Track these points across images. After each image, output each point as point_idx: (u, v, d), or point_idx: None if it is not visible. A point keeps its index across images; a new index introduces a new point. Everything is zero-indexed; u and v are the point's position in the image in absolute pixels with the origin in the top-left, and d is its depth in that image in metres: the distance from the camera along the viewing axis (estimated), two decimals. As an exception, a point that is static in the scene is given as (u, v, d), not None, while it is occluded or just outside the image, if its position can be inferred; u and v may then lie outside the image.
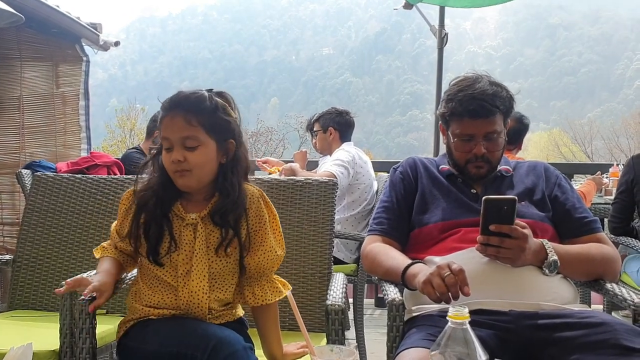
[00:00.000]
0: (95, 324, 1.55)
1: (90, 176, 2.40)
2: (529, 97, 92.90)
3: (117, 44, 5.04)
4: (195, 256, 1.51)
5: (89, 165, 3.29)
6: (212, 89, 1.56)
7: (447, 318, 1.02)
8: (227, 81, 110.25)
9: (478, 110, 1.78)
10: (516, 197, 1.57)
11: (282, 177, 2.22)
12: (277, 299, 1.59)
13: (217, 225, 1.52)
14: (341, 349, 1.16)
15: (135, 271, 1.69)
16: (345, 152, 3.37)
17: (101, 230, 2.27)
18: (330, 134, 3.56)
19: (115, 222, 1.64)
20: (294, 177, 2.21)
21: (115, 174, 3.39)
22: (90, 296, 1.47)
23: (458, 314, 1.01)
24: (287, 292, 1.35)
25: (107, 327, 1.87)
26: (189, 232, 1.52)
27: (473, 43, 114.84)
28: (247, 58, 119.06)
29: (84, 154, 4.54)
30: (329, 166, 3.26)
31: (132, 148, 4.05)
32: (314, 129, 3.68)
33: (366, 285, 3.56)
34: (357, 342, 3.18)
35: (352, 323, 3.45)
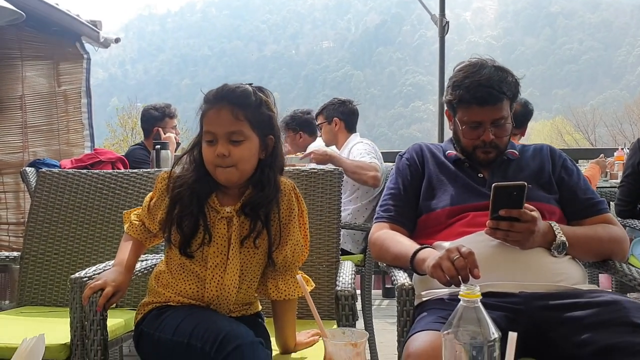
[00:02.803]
0: (106, 316, 1.55)
1: (96, 171, 2.41)
2: (530, 85, 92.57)
3: (117, 40, 5.03)
4: (232, 250, 1.51)
5: (93, 162, 3.29)
6: (252, 84, 1.56)
7: (459, 297, 1.02)
8: (227, 77, 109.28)
9: (486, 97, 1.77)
10: (525, 183, 1.57)
11: (287, 168, 2.21)
12: (299, 295, 1.59)
13: (247, 217, 1.51)
14: (353, 331, 1.16)
15: (151, 259, 1.70)
16: (365, 144, 3.36)
17: (108, 225, 2.28)
18: (336, 124, 3.55)
19: (150, 195, 1.64)
20: (300, 167, 2.20)
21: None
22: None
23: (470, 292, 1.01)
24: (298, 276, 1.34)
25: (117, 321, 1.88)
26: (223, 225, 1.52)
27: (474, 33, 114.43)
28: (247, 54, 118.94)
29: (87, 151, 4.54)
30: (369, 159, 3.23)
31: (136, 144, 4.05)
32: (319, 121, 3.67)
33: (373, 276, 3.56)
34: (365, 331, 3.17)
35: (360, 314, 3.46)
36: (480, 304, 1.01)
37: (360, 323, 3.44)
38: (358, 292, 3.45)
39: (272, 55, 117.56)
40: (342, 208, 3.22)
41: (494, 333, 0.99)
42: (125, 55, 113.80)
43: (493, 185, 1.56)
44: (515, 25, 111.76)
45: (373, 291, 3.67)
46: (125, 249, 1.64)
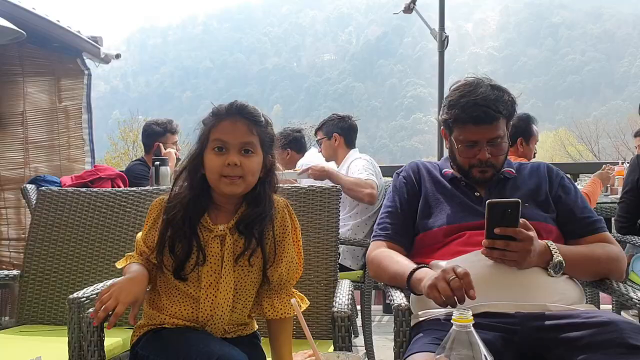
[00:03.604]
0: (104, 337, 1.55)
1: (95, 190, 2.41)
2: (533, 97, 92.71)
3: (118, 56, 5.05)
4: (224, 268, 1.51)
5: (93, 179, 3.31)
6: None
7: (452, 321, 1.03)
8: (229, 90, 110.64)
9: (482, 117, 1.78)
10: (519, 200, 1.57)
11: (285, 186, 2.22)
12: (295, 314, 1.56)
13: (241, 234, 1.51)
14: (347, 355, 1.17)
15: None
16: (364, 160, 3.37)
17: (106, 243, 2.28)
18: (336, 140, 3.56)
19: (141, 231, 1.61)
20: (298, 185, 2.21)
21: (119, 187, 3.40)
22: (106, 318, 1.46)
23: (462, 317, 1.01)
24: (292, 300, 1.34)
25: (115, 340, 1.88)
26: (216, 244, 1.51)
27: (475, 44, 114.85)
28: (248, 66, 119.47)
29: (88, 167, 4.55)
30: (366, 175, 3.24)
31: (136, 160, 4.07)
32: (318, 137, 3.68)
33: (374, 291, 3.56)
34: (365, 348, 3.17)
35: (360, 330, 3.45)
36: (472, 329, 1.02)
37: (360, 339, 3.44)
38: (358, 307, 3.49)
39: (273, 68, 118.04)
40: (342, 224, 3.29)
41: (486, 357, 1.00)
42: (127, 68, 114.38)
43: (487, 202, 1.56)
44: (517, 36, 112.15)
45: (373, 307, 3.67)
46: (131, 268, 1.57)
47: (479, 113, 1.77)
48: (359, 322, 3.60)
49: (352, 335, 3.71)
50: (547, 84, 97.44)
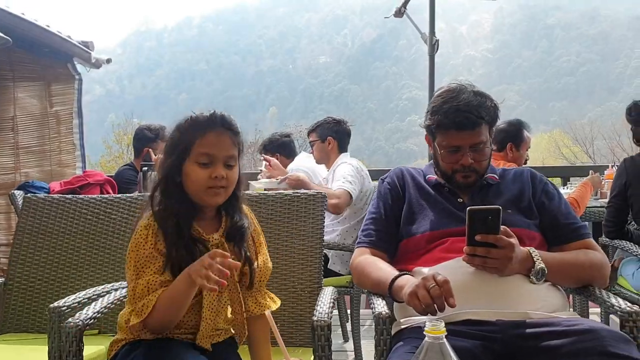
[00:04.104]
0: (83, 346, 1.55)
1: (81, 196, 2.40)
2: (528, 98, 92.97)
3: (109, 61, 5.06)
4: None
5: (82, 185, 3.30)
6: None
7: (424, 333, 1.02)
8: (224, 92, 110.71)
9: (464, 122, 1.79)
10: (500, 207, 1.57)
11: (271, 193, 2.22)
12: (275, 307, 1.65)
13: (236, 244, 1.56)
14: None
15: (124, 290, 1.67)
16: (349, 165, 3.37)
17: (92, 251, 2.27)
18: (329, 143, 3.56)
19: (132, 279, 1.48)
20: (283, 192, 2.20)
21: (108, 193, 3.39)
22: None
23: (435, 328, 1.01)
24: (267, 311, 1.35)
25: (98, 348, 1.87)
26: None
27: (470, 47, 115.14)
28: (244, 68, 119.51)
29: (79, 172, 4.55)
30: (341, 183, 3.24)
31: (125, 165, 4.05)
32: (311, 139, 3.68)
33: (363, 296, 3.55)
34: (354, 353, 3.17)
35: (350, 334, 3.44)
36: (445, 340, 1.02)
37: (350, 344, 3.44)
38: (348, 311, 3.48)
39: (269, 70, 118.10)
40: (330, 229, 3.29)
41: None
42: (123, 71, 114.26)
43: (467, 209, 1.56)
44: (512, 38, 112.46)
45: (363, 311, 3.66)
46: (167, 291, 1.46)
47: (462, 119, 1.78)
48: (348, 327, 3.59)
49: (342, 341, 3.74)
50: (542, 85, 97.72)
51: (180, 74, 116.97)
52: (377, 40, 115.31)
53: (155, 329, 1.47)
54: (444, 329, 1.02)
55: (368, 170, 3.54)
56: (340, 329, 3.86)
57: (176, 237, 1.48)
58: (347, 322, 3.66)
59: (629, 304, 1.55)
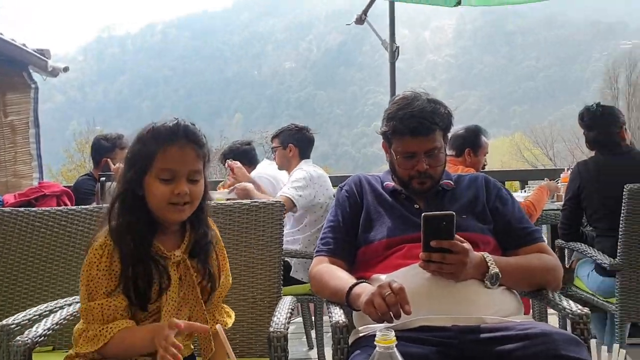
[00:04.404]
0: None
1: (34, 209, 2.33)
2: (489, 103, 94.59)
3: (66, 69, 4.97)
4: (186, 294, 1.49)
5: (37, 196, 3.22)
6: (178, 118, 1.51)
7: (375, 343, 1.03)
8: (189, 98, 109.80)
9: (418, 128, 1.82)
10: (454, 213, 1.59)
11: (229, 202, 2.20)
12: (231, 322, 1.63)
13: (198, 258, 1.51)
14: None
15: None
16: (302, 171, 3.37)
17: (45, 265, 2.21)
18: (290, 150, 3.56)
19: (84, 300, 1.43)
20: (241, 201, 2.19)
21: (65, 204, 3.32)
22: None
23: (385, 338, 1.01)
24: (217, 325, 1.31)
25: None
26: (173, 271, 1.48)
27: (433, 52, 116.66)
28: (208, 75, 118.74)
29: (35, 183, 4.45)
30: (285, 189, 3.25)
31: (84, 175, 3.97)
32: (273, 145, 3.68)
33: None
34: (318, 360, 3.16)
35: (314, 342, 3.44)
36: (395, 350, 1.02)
37: (314, 352, 3.43)
38: (313, 319, 3.48)
39: (234, 76, 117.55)
40: (291, 238, 3.29)
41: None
42: (85, 78, 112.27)
43: (422, 215, 1.59)
44: (474, 44, 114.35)
45: (327, 319, 3.66)
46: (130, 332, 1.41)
47: (416, 124, 1.82)
48: (313, 334, 3.59)
49: (307, 348, 3.73)
50: (503, 90, 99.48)
51: (144, 81, 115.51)
52: (342, 46, 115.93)
53: (109, 357, 1.42)
54: (394, 338, 1.02)
55: (335, 176, 3.55)
56: (304, 337, 3.85)
57: (133, 256, 1.42)
58: (312, 329, 3.66)
59: (579, 307, 1.58)
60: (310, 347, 3.71)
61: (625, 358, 1.36)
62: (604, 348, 1.03)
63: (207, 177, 1.54)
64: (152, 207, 1.45)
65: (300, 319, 4.03)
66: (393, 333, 1.03)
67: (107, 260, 1.42)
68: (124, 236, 1.42)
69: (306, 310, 3.72)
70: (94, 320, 1.40)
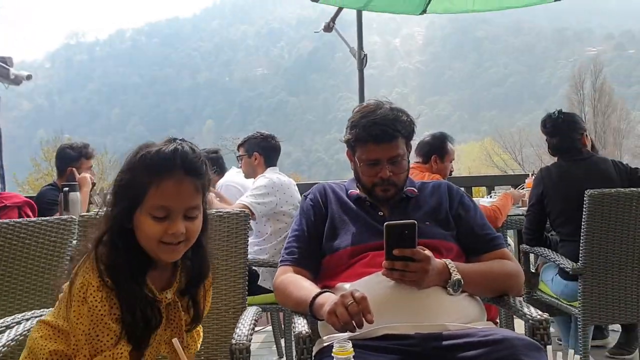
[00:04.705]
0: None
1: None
2: (459, 109, 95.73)
3: (29, 77, 4.87)
4: (172, 333, 1.38)
5: (-3, 207, 3.14)
6: (183, 139, 1.36)
7: (332, 354, 1.02)
8: (159, 105, 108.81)
9: (381, 135, 1.84)
10: (415, 221, 1.61)
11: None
12: (197, 348, 1.55)
13: (190, 298, 1.41)
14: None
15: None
16: (265, 178, 3.36)
17: (3, 279, 2.15)
18: (255, 158, 3.55)
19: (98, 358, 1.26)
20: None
21: (27, 215, 3.24)
22: None
23: (342, 349, 1.01)
24: (174, 339, 1.23)
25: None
26: (163, 312, 1.36)
27: (404, 59, 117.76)
28: (178, 82, 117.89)
29: (-3, 193, 4.34)
30: (244, 197, 3.25)
31: (48, 185, 3.90)
32: (239, 153, 3.68)
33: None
34: (288, 369, 3.15)
35: (284, 350, 3.42)
36: (353, 361, 1.02)
37: (284, 360, 3.42)
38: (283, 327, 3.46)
39: (205, 83, 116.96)
40: (257, 248, 3.27)
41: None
42: (52, 86, 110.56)
43: (385, 224, 1.60)
44: (443, 50, 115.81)
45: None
46: None
47: (378, 132, 1.84)
48: (283, 343, 3.57)
49: (277, 357, 3.71)
50: (473, 96, 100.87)
51: (113, 88, 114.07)
52: (313, 52, 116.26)
53: None
54: (352, 349, 1.02)
55: (306, 183, 3.54)
56: (274, 346, 3.83)
57: (132, 300, 1.27)
58: (282, 338, 3.64)
59: (539, 312, 1.60)
60: (280, 356, 3.69)
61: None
62: (559, 354, 1.05)
63: (206, 207, 1.39)
64: (142, 244, 1.30)
65: (270, 328, 4.01)
66: (350, 344, 1.03)
67: (107, 304, 1.26)
68: (120, 279, 1.26)
69: (276, 320, 3.70)
70: None
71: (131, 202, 1.27)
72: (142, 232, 1.28)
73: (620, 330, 3.39)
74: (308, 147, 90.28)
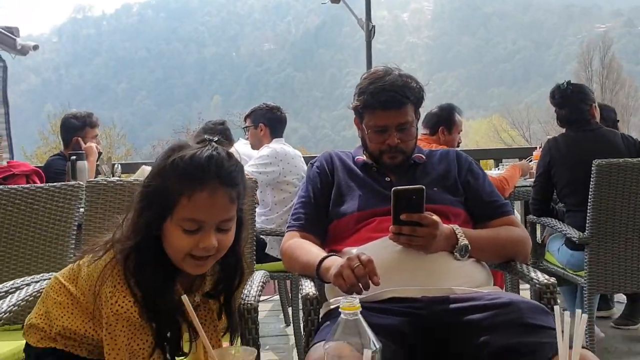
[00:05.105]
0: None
1: (0, 187, 2.29)
2: (468, 85, 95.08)
3: (35, 47, 4.85)
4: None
5: (6, 176, 3.15)
6: (218, 140, 1.27)
7: (340, 310, 1.03)
8: (166, 80, 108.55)
9: (389, 102, 1.82)
10: (423, 186, 1.60)
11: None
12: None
13: (224, 299, 1.37)
14: (245, 349, 1.15)
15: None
16: (268, 148, 3.37)
17: (13, 244, 2.17)
18: (261, 130, 3.56)
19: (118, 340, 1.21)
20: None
21: (35, 183, 3.26)
22: None
23: (349, 304, 1.02)
24: (183, 296, 1.14)
25: (16, 344, 1.78)
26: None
27: (412, 34, 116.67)
28: (185, 56, 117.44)
29: (5, 163, 4.36)
30: (246, 167, 3.25)
31: (55, 155, 3.92)
32: (246, 124, 3.68)
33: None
34: (295, 337, 3.18)
35: (291, 318, 3.46)
36: (360, 317, 1.02)
37: (290, 329, 3.45)
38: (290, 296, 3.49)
39: (212, 58, 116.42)
40: (265, 219, 3.29)
41: (375, 344, 1.00)
42: (59, 60, 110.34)
43: (392, 189, 1.59)
44: (451, 25, 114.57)
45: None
46: None
47: (387, 98, 1.81)
48: (290, 311, 3.60)
49: (284, 325, 3.75)
50: (481, 71, 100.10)
51: (120, 63, 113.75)
52: (320, 26, 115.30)
53: None
54: (359, 305, 1.02)
55: (314, 155, 3.53)
56: (282, 314, 3.88)
57: (162, 310, 1.21)
58: (289, 307, 3.68)
59: (546, 277, 1.61)
60: (287, 324, 3.74)
61: (587, 323, 1.38)
62: (567, 313, 1.05)
63: (242, 216, 1.31)
64: (168, 253, 1.23)
65: (277, 297, 4.05)
66: (358, 300, 1.03)
67: (139, 316, 1.21)
68: (149, 291, 1.20)
69: (283, 288, 3.73)
70: None
71: (161, 211, 1.19)
72: (171, 243, 1.21)
73: (626, 301, 3.40)
74: (315, 124, 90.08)
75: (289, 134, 3.69)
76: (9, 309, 1.54)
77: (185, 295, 1.13)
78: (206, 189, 1.16)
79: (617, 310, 3.52)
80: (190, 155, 1.19)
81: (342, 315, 1.03)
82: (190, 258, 1.20)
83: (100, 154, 3.76)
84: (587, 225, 2.65)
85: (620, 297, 3.66)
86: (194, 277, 1.30)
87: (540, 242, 3.35)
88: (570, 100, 3.04)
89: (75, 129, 3.71)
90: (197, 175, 1.17)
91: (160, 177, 1.20)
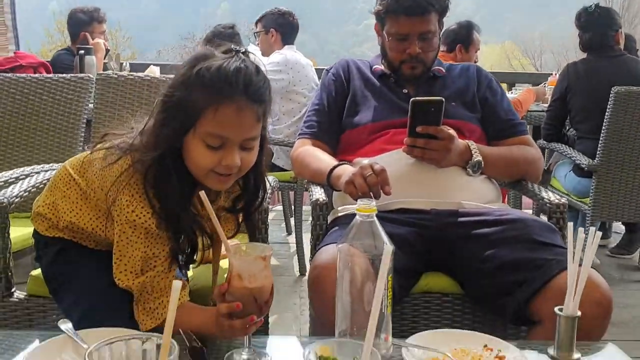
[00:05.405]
0: (8, 223, 1.49)
1: (9, 75, 2.26)
2: (483, 7, 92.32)
3: None
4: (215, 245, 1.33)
5: (13, 66, 3.10)
6: (243, 50, 1.20)
7: (355, 211, 1.02)
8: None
9: (413, 7, 1.75)
10: (443, 99, 1.57)
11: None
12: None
13: (232, 213, 1.33)
14: (256, 246, 1.16)
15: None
16: (279, 54, 3.29)
17: (22, 132, 2.16)
18: (272, 35, 3.47)
19: (150, 273, 1.20)
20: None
21: (42, 76, 3.21)
22: None
23: (365, 206, 1.01)
24: (201, 192, 1.11)
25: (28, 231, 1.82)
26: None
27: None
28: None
29: (12, 54, 4.28)
30: None
31: (62, 49, 3.85)
32: (256, 29, 3.58)
33: (307, 192, 3.60)
34: (296, 245, 3.24)
35: (293, 228, 3.51)
36: (375, 219, 1.02)
37: (292, 237, 3.52)
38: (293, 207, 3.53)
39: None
40: (273, 128, 3.26)
41: (388, 245, 1.00)
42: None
43: (411, 100, 1.56)
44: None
45: (306, 207, 3.72)
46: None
47: (411, 3, 1.75)
48: (292, 221, 3.66)
49: (285, 234, 3.82)
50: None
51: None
52: None
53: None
54: (375, 207, 1.02)
55: (325, 68, 3.46)
56: (284, 223, 3.94)
57: (179, 224, 1.20)
58: (291, 217, 3.73)
59: (557, 197, 1.60)
60: (289, 233, 3.81)
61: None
62: (581, 230, 1.04)
63: (266, 134, 1.25)
64: (189, 168, 1.19)
65: (280, 207, 4.09)
66: (374, 202, 1.02)
67: (156, 227, 1.19)
68: (169, 204, 1.18)
69: (286, 198, 3.77)
70: (152, 292, 1.20)
71: (183, 123, 1.14)
72: (193, 158, 1.16)
73: (624, 231, 3.44)
74: (324, 39, 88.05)
75: (297, 47, 3.58)
76: (19, 193, 1.55)
77: (203, 191, 1.11)
78: (233, 105, 1.11)
79: (614, 240, 3.58)
80: (217, 67, 1.12)
81: (357, 217, 1.02)
82: (214, 174, 1.17)
83: (107, 50, 3.68)
84: (598, 152, 2.64)
85: (618, 228, 3.70)
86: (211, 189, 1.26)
87: (546, 168, 3.35)
88: (595, 24, 2.95)
89: (83, 23, 3.63)
90: (225, 89, 1.11)
91: (185, 88, 1.14)
